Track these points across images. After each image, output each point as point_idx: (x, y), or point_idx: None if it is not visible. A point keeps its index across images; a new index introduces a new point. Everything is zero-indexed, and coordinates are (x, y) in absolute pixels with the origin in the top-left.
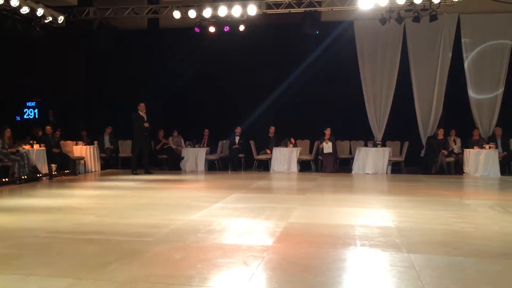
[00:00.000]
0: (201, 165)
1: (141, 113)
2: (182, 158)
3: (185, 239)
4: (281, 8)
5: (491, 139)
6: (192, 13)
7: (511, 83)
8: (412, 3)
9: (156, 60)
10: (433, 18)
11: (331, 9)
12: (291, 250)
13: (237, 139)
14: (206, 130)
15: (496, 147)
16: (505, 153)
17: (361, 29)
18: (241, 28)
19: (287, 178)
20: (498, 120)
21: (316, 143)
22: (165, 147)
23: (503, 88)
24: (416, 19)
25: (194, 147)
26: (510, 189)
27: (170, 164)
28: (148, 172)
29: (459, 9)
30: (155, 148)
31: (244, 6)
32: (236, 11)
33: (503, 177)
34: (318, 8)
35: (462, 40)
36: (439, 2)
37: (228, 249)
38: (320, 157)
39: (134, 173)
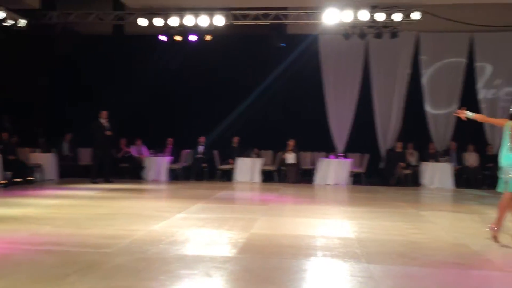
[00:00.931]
0: (164, 175)
1: (102, 121)
2: (144, 167)
3: (147, 250)
4: (248, 20)
5: (446, 152)
6: (158, 21)
7: (466, 99)
8: (374, 20)
9: (120, 66)
10: (393, 35)
11: (297, 22)
12: (254, 261)
13: (200, 148)
14: (170, 139)
15: (451, 160)
16: (459, 166)
17: (325, 43)
18: (208, 38)
19: (250, 189)
20: (453, 134)
21: (279, 153)
22: (126, 155)
23: (458, 104)
24: (378, 36)
25: (157, 156)
26: (464, 200)
27: (132, 173)
28: (108, 181)
29: (418, 28)
30: (116, 157)
31: (211, 16)
32: (203, 21)
33: (457, 189)
34: (284, 21)
35: (420, 57)
36: (400, 20)
37: (190, 260)
38: (283, 168)
39: (94, 182)
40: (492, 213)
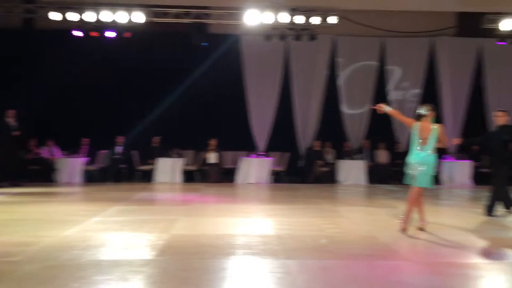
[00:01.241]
0: (78, 177)
1: (9, 121)
2: (56, 169)
3: (58, 257)
4: (169, 18)
5: (360, 150)
6: (72, 16)
7: (377, 100)
8: (294, 22)
9: (30, 63)
10: (312, 38)
11: (219, 22)
12: (173, 262)
13: (118, 149)
14: (85, 139)
15: (364, 158)
16: (371, 163)
17: (247, 43)
18: (127, 34)
19: (171, 189)
20: (366, 133)
21: (201, 153)
22: (37, 157)
23: (370, 105)
24: (297, 38)
25: (71, 157)
26: (375, 195)
27: (42, 175)
28: (15, 184)
29: (334, 31)
30: (25, 158)
31: (130, 13)
32: (121, 17)
33: (369, 185)
34: (206, 20)
35: (337, 60)
36: (318, 24)
37: (106, 265)
38: (204, 168)
39: None
40: (401, 207)
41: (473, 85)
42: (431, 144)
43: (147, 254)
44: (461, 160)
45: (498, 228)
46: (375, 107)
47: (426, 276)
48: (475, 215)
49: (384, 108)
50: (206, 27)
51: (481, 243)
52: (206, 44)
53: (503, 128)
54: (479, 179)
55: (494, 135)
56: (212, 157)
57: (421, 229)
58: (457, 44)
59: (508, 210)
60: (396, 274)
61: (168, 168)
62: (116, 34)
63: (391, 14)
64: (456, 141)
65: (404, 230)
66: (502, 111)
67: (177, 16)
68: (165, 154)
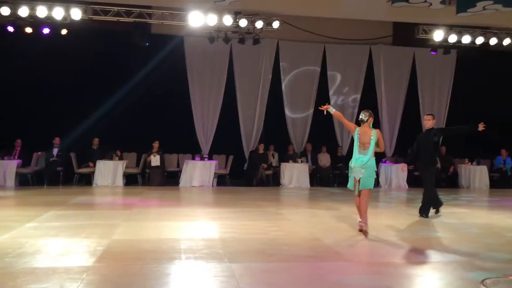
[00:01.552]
0: (11, 180)
1: None
2: None
3: None
4: (109, 16)
5: (303, 154)
6: (4, 10)
7: (320, 104)
8: (238, 25)
9: None
10: (256, 41)
11: (162, 22)
12: (113, 269)
13: (55, 150)
14: (18, 141)
15: (307, 161)
16: (314, 166)
17: (191, 45)
18: (64, 31)
19: (111, 193)
20: (309, 137)
21: (143, 156)
22: None
23: (313, 109)
24: (241, 41)
25: (3, 159)
26: (318, 198)
27: None
28: None
29: (278, 36)
30: None
31: (67, 9)
32: (58, 13)
33: (311, 188)
34: (148, 20)
35: (280, 64)
36: (261, 28)
37: (42, 273)
38: (147, 170)
39: None
40: (343, 209)
41: (408, 92)
42: (371, 148)
43: (86, 260)
44: (397, 163)
45: (430, 228)
46: (321, 108)
47: (366, 276)
48: (410, 216)
49: (330, 109)
50: (148, 27)
51: (416, 243)
52: (148, 44)
53: (431, 131)
54: (413, 181)
55: (422, 138)
56: (154, 160)
57: (361, 230)
58: (393, 52)
59: (436, 211)
60: (338, 275)
61: (109, 171)
62: (52, 31)
63: (332, 22)
64: (403, 168)
65: (365, 233)
66: (430, 114)
67: (118, 14)
68: (106, 156)
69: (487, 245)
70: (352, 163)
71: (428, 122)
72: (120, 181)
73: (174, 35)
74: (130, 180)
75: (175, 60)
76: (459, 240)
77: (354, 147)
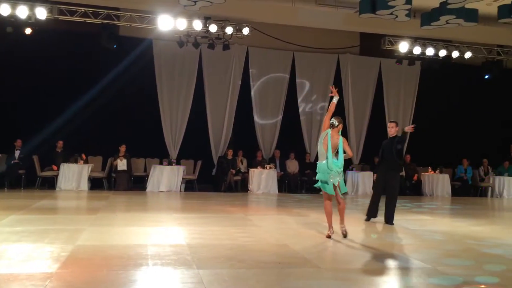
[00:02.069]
0: None
1: None
2: None
3: None
4: (76, 16)
5: (271, 160)
6: None
7: (289, 111)
8: (208, 30)
9: None
10: (225, 47)
11: (130, 24)
12: (78, 275)
13: (17, 153)
14: None
15: (275, 168)
16: (282, 173)
17: (160, 48)
18: (28, 31)
19: (76, 197)
20: (277, 143)
21: (109, 159)
22: None
23: (281, 115)
24: (211, 46)
25: None
26: (286, 204)
27: None
28: None
29: (248, 42)
30: None
31: (32, 8)
32: (22, 12)
33: (280, 194)
34: (116, 22)
35: (250, 70)
36: (231, 34)
37: (2, 280)
38: (113, 175)
39: None
40: (310, 215)
41: (374, 100)
42: (341, 153)
43: (49, 267)
44: (363, 171)
45: (395, 235)
46: (332, 90)
47: (333, 282)
48: (376, 223)
49: (335, 98)
50: (116, 29)
51: (382, 249)
52: (116, 46)
53: (394, 138)
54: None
55: (386, 145)
56: (121, 164)
57: (329, 236)
58: (360, 62)
59: (367, 219)
60: (306, 281)
61: (73, 175)
62: (15, 30)
63: (301, 30)
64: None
65: (345, 235)
66: (393, 122)
67: (85, 15)
68: (70, 159)
69: (448, 251)
70: (328, 166)
71: (391, 130)
72: (85, 185)
73: (142, 38)
74: (95, 184)
75: (144, 63)
76: (423, 247)
77: (327, 152)
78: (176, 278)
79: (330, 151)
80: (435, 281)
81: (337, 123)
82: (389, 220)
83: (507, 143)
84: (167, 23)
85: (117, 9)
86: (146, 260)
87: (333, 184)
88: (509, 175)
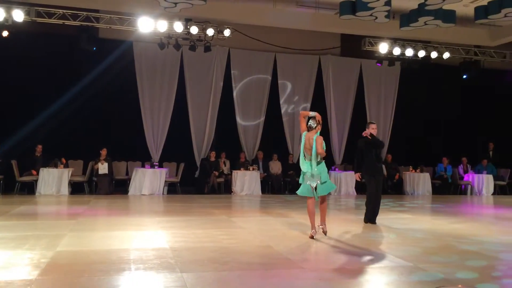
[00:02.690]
0: None
1: None
2: None
3: None
4: (54, 19)
5: (254, 161)
6: None
7: (271, 113)
8: (189, 32)
9: None
10: (207, 49)
11: (110, 26)
12: (59, 282)
13: None
14: None
15: (258, 169)
16: (265, 174)
17: (140, 50)
18: (5, 33)
19: (56, 202)
20: (260, 144)
21: (90, 163)
22: None
23: (264, 117)
24: (192, 48)
25: None
26: (269, 205)
27: None
28: None
29: (229, 44)
30: None
31: (9, 10)
32: None
33: (263, 195)
34: (96, 24)
35: (232, 72)
36: (212, 35)
37: None
38: (94, 178)
39: None
40: (293, 215)
41: (356, 101)
42: (316, 153)
43: (29, 273)
44: (346, 171)
45: (378, 234)
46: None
47: (317, 282)
48: (358, 223)
49: (310, 113)
50: (96, 31)
51: (365, 248)
52: (95, 49)
53: (373, 138)
54: (361, 188)
55: (368, 146)
56: (102, 168)
57: (312, 236)
58: (341, 63)
59: (368, 220)
60: (290, 282)
61: (53, 180)
62: None
63: (283, 31)
64: (357, 177)
65: (325, 233)
66: (372, 123)
67: (63, 17)
68: (50, 164)
69: (429, 249)
70: (306, 169)
71: (375, 131)
72: (65, 189)
73: (122, 40)
74: (76, 188)
75: (124, 66)
76: (404, 245)
77: (301, 152)
78: (159, 282)
79: (303, 153)
80: (416, 278)
81: (314, 125)
82: (369, 219)
83: (485, 141)
84: (148, 25)
85: (97, 11)
86: (129, 264)
87: (311, 186)
88: (487, 173)
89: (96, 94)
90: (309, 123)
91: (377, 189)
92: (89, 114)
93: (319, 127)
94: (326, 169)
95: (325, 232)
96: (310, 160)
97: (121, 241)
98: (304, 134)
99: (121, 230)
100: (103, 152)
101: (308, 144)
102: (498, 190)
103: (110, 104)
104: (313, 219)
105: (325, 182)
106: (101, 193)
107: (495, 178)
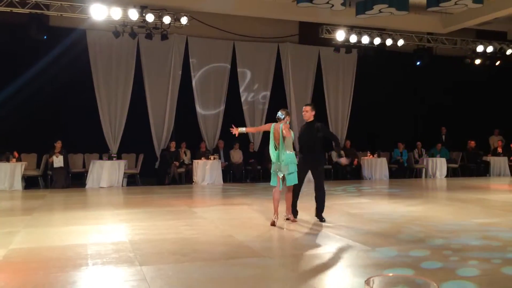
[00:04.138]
0: None
1: None
2: None
3: None
4: (1, 6)
5: (215, 151)
6: None
7: (231, 101)
8: (145, 20)
9: None
10: (164, 37)
11: (61, 14)
12: (12, 280)
13: None
14: None
15: (220, 158)
16: (227, 163)
17: (94, 39)
18: None
19: (8, 197)
20: (221, 133)
21: (44, 156)
22: None
23: (224, 106)
24: (149, 36)
25: None
26: (231, 194)
27: None
28: None
29: (187, 32)
30: None
31: None
32: None
33: (224, 184)
34: (46, 12)
35: (190, 60)
36: (169, 23)
37: None
38: (49, 172)
39: None
40: (255, 204)
41: (315, 88)
42: (288, 144)
43: None
44: None
45: (336, 218)
46: (232, 131)
47: (278, 269)
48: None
49: (240, 129)
50: (46, 19)
51: (323, 233)
52: (46, 37)
53: (312, 124)
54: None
55: (307, 132)
56: (57, 161)
57: (288, 219)
58: (300, 51)
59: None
60: (252, 270)
61: (5, 174)
62: None
63: (241, 19)
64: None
65: (293, 221)
66: (308, 105)
67: (11, 4)
68: (1, 158)
69: (386, 230)
70: (275, 160)
71: (306, 114)
72: (18, 184)
73: (75, 28)
74: (30, 183)
75: (77, 55)
76: (362, 229)
77: (270, 143)
78: (118, 276)
79: (271, 143)
80: (373, 258)
81: (283, 116)
82: (322, 216)
83: (438, 125)
84: (101, 12)
85: None
86: (86, 260)
87: (278, 176)
88: (441, 157)
89: (48, 85)
90: (277, 115)
91: (316, 179)
92: (43, 105)
93: (288, 118)
94: (295, 160)
95: (288, 219)
96: (279, 150)
97: (78, 236)
98: (273, 125)
99: (78, 225)
100: (58, 144)
101: (277, 133)
102: (451, 173)
103: (64, 94)
104: (276, 206)
105: (292, 173)
106: (56, 187)
107: (448, 161)
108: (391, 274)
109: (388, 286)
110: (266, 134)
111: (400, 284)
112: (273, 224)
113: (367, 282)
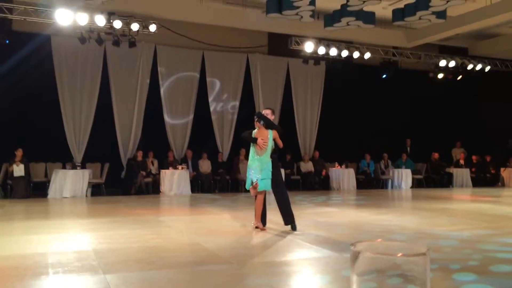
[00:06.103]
0: None
1: None
2: None
3: None
4: None
5: (183, 160)
6: None
7: (200, 111)
8: (112, 26)
9: None
10: (132, 44)
11: (25, 18)
12: None
13: None
14: None
15: (188, 168)
16: (195, 173)
17: (59, 44)
18: None
19: None
20: (189, 143)
21: (4, 165)
22: None
23: (192, 115)
24: (116, 43)
25: None
26: (199, 204)
27: None
28: None
29: (155, 40)
30: None
31: None
32: None
33: (193, 194)
34: (9, 15)
35: (159, 69)
36: (137, 31)
37: None
38: (9, 181)
39: None
40: (223, 214)
41: (284, 99)
42: (267, 150)
43: None
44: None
45: (304, 228)
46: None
47: (247, 276)
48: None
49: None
50: (9, 23)
51: (292, 242)
52: (8, 42)
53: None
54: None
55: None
56: (18, 170)
57: (257, 227)
58: (269, 62)
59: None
60: (219, 277)
61: None
62: None
63: (210, 28)
64: None
65: (262, 230)
66: (269, 108)
67: None
68: None
69: (352, 238)
70: (251, 164)
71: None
72: None
73: (39, 33)
74: None
75: (41, 60)
76: (330, 237)
77: (251, 149)
78: (80, 284)
79: (253, 149)
80: (343, 261)
81: (261, 122)
82: (293, 224)
83: (404, 137)
84: (67, 18)
85: (10, 1)
86: (46, 269)
87: (251, 181)
88: (406, 167)
89: (9, 91)
90: (255, 120)
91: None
92: (3, 111)
93: (258, 123)
94: (269, 167)
95: (261, 229)
96: (260, 155)
97: (38, 245)
98: (255, 131)
99: (38, 234)
100: (19, 152)
101: (261, 140)
102: (416, 184)
103: (26, 101)
104: (259, 211)
105: (264, 179)
106: (17, 197)
107: (413, 173)
108: (379, 240)
109: (373, 249)
110: (234, 145)
111: (387, 248)
112: (257, 227)
113: (353, 244)
